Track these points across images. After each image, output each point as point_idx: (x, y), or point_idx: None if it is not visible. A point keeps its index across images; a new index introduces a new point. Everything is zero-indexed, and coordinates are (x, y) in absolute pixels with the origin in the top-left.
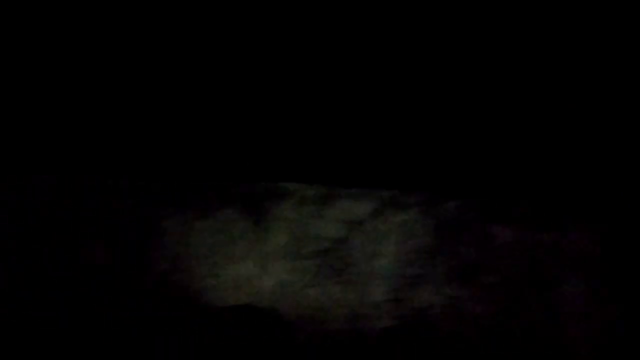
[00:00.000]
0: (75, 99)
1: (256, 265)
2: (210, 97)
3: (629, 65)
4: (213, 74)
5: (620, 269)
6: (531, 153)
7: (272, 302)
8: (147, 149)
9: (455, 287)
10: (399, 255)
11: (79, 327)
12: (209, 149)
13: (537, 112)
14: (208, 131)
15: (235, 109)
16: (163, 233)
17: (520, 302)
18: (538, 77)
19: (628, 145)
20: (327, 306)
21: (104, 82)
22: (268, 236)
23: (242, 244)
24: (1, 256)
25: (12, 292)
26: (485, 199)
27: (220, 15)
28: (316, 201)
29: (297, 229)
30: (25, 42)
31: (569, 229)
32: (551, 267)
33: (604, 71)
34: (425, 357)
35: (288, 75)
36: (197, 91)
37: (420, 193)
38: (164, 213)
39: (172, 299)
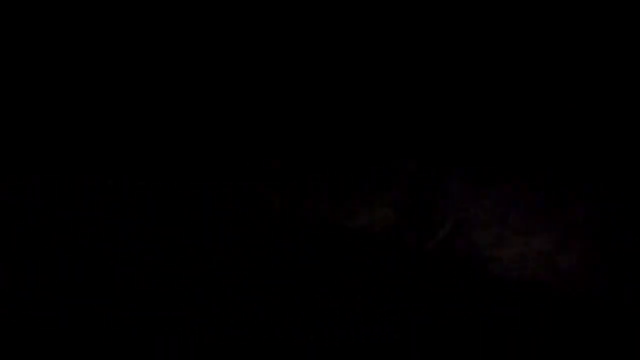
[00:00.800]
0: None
1: (549, 241)
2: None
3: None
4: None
5: None
6: None
7: (567, 283)
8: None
9: None
10: None
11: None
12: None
13: None
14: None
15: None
16: (447, 196)
17: None
18: None
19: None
20: None
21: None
22: (567, 211)
23: (533, 216)
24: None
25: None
26: None
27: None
28: None
29: (603, 206)
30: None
31: None
32: None
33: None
34: None
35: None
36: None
37: None
38: (449, 174)
39: (454, 264)
